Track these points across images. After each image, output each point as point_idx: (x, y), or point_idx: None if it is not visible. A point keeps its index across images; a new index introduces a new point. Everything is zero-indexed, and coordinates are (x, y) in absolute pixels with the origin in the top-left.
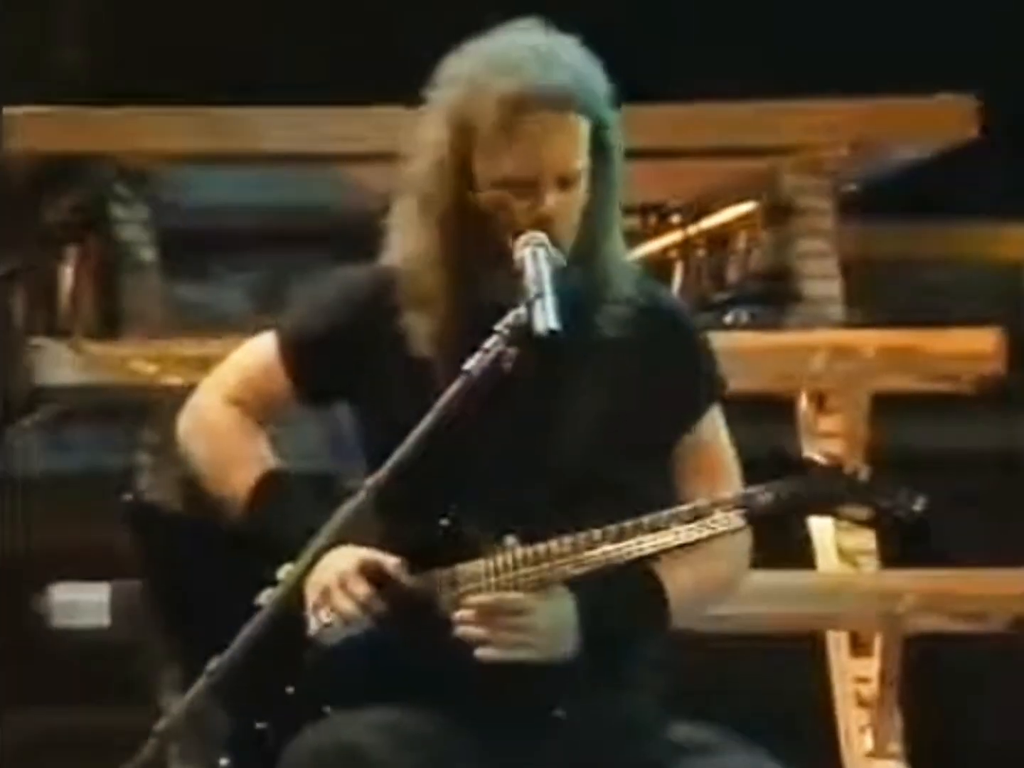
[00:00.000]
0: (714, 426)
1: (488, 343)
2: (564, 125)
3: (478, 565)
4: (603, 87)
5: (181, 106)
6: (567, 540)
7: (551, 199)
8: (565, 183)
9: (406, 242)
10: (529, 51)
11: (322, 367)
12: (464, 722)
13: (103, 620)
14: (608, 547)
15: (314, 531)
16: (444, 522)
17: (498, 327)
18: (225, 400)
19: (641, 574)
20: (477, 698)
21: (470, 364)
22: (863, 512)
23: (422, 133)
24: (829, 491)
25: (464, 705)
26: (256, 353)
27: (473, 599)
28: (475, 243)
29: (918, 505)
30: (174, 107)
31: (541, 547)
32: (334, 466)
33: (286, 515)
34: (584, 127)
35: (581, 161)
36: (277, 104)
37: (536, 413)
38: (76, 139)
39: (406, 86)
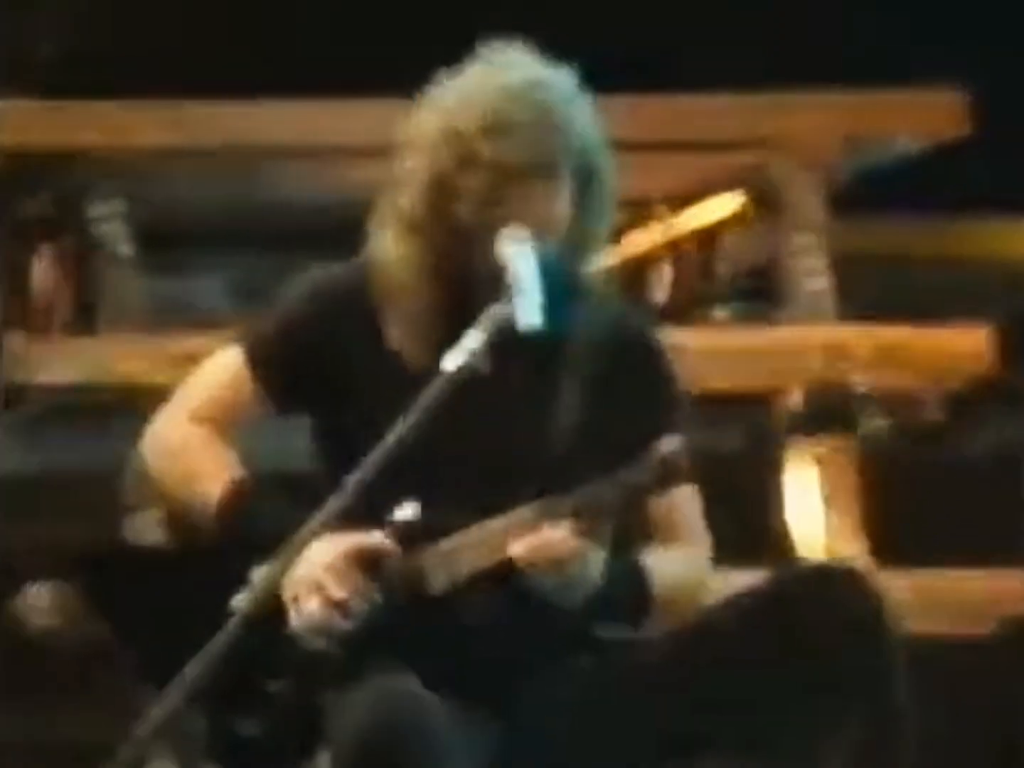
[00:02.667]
0: None
1: (470, 341)
2: (551, 189)
3: (461, 538)
4: (593, 134)
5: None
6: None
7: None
8: (545, 230)
9: (383, 242)
10: (525, 110)
11: (293, 371)
12: (461, 698)
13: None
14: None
15: (282, 535)
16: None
17: (480, 323)
18: (189, 419)
19: (632, 565)
20: (473, 675)
21: (452, 361)
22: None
23: (407, 148)
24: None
25: (461, 682)
26: (219, 370)
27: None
28: (453, 246)
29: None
30: (159, 101)
31: (525, 511)
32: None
33: (253, 524)
34: (569, 180)
35: (563, 213)
36: (274, 97)
37: (506, 408)
38: (60, 133)
39: (399, 79)
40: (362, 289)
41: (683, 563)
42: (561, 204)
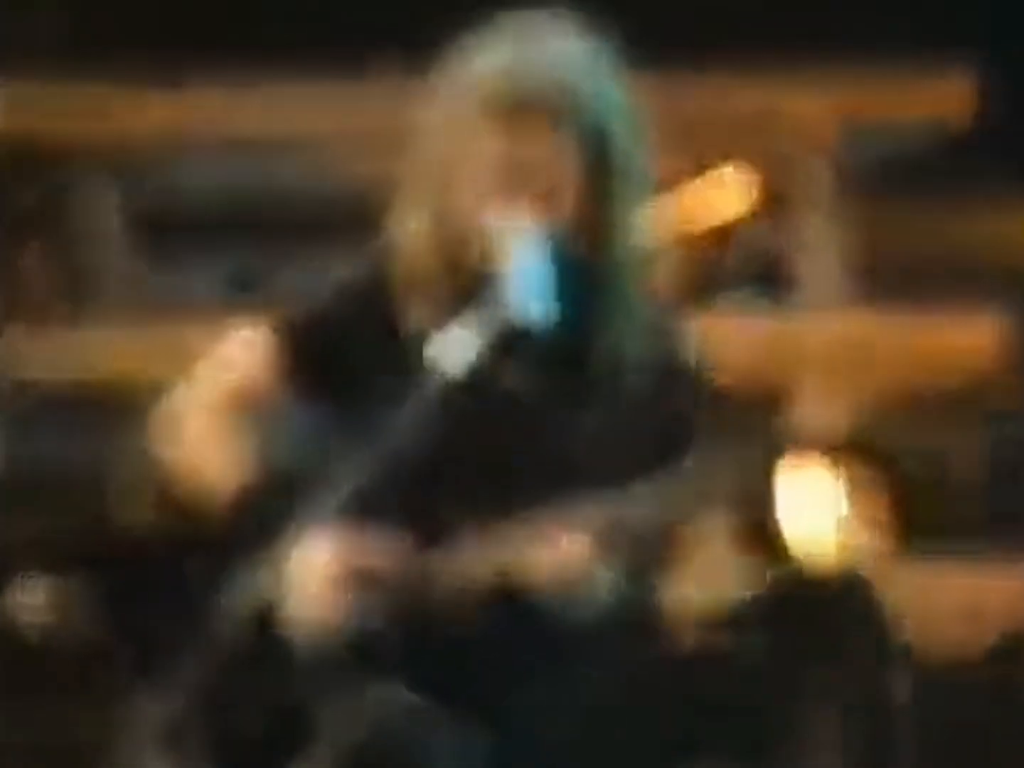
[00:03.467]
0: None
1: (463, 336)
2: (551, 141)
3: (470, 546)
4: (615, 103)
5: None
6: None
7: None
8: (546, 195)
9: (404, 230)
10: (533, 71)
11: (316, 364)
12: (457, 706)
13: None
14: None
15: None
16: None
17: (477, 318)
18: (206, 406)
19: (648, 587)
20: (470, 683)
21: (455, 361)
22: None
23: (422, 132)
24: None
25: (457, 691)
26: (240, 355)
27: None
28: (469, 230)
29: None
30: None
31: (538, 523)
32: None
33: (261, 520)
34: (577, 143)
35: (566, 175)
36: (274, 84)
37: (521, 411)
38: (57, 118)
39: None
40: (382, 286)
41: (702, 586)
42: (564, 162)
